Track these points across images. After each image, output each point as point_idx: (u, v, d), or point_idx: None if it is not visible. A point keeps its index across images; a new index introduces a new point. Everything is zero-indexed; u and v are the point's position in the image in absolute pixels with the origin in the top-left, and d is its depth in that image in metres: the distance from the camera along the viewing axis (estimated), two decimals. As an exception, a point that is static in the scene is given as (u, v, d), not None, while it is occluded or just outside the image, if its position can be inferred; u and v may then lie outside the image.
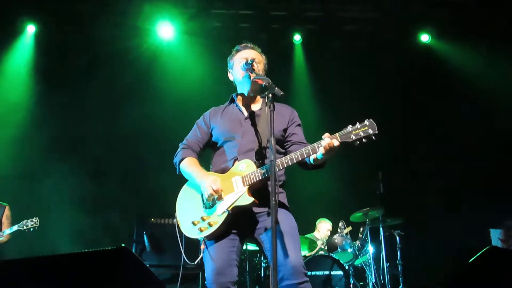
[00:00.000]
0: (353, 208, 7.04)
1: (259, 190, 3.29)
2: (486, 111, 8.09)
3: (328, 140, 3.08)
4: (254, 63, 3.49)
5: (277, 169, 3.18)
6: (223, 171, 3.43)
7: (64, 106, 8.23)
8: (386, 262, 6.67)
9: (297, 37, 8.67)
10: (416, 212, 7.76)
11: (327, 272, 6.24)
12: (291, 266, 3.10)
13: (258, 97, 3.62)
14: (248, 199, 3.23)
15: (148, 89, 8.49)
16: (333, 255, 6.52)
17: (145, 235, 6.88)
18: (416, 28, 8.72)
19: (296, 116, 3.66)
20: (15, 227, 6.40)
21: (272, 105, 3.08)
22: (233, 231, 3.32)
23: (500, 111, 7.98)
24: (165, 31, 8.43)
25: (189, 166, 3.54)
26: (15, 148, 7.98)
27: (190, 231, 3.39)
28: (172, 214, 7.28)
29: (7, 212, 6.79)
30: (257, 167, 3.29)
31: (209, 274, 3.28)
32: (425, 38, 8.72)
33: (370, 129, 3.05)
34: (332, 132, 3.12)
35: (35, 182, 7.85)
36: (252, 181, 3.25)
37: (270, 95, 3.11)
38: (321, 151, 3.11)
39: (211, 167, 3.60)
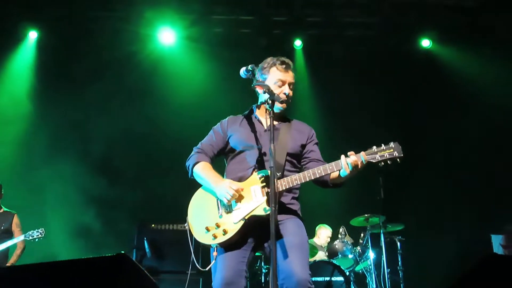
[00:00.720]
0: (353, 214, 7.03)
1: (280, 199, 3.28)
2: (488, 116, 8.07)
3: (354, 158, 3.12)
4: (290, 93, 3.54)
5: (298, 183, 3.24)
6: (240, 179, 3.40)
7: (66, 112, 8.25)
8: (387, 268, 6.65)
9: (298, 43, 8.68)
10: (417, 218, 7.75)
11: (327, 278, 6.22)
12: (295, 280, 3.08)
13: (280, 114, 3.59)
14: (265, 210, 3.19)
15: (150, 94, 8.50)
16: (334, 261, 6.50)
17: (145, 241, 6.87)
18: (417, 33, 8.73)
19: (314, 134, 3.68)
20: (21, 237, 6.38)
21: (272, 111, 3.09)
22: (248, 240, 3.29)
23: (502, 116, 7.96)
24: (167, 36, 8.46)
25: (203, 170, 3.49)
26: (18, 151, 7.99)
27: (203, 237, 3.34)
28: (173, 220, 7.36)
29: (16, 220, 6.77)
30: (277, 178, 3.20)
31: (217, 283, 3.23)
32: (426, 43, 8.73)
33: (395, 152, 3.14)
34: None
35: (35, 185, 7.86)
36: (268, 192, 3.17)
37: (270, 102, 3.12)
38: (345, 169, 3.15)
39: (225, 175, 3.57)
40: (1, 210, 6.77)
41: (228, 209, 3.30)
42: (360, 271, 6.93)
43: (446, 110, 8.42)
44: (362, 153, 3.14)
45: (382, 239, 6.68)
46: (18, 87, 8.40)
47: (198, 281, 6.80)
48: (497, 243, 7.53)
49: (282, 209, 3.32)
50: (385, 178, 6.93)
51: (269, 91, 3.18)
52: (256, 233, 3.29)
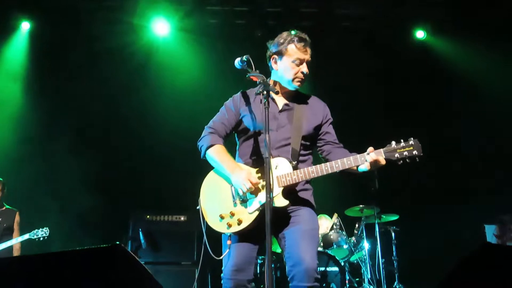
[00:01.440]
0: (348, 204, 7.06)
1: (291, 189, 3.28)
2: (484, 108, 8.09)
3: (375, 156, 3.11)
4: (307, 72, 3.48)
5: (315, 175, 3.21)
6: (255, 165, 3.37)
7: (59, 103, 8.21)
8: (382, 258, 6.70)
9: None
10: (412, 208, 7.78)
11: (322, 268, 6.24)
12: (303, 269, 3.10)
13: (294, 91, 3.55)
14: (283, 201, 3.19)
15: (144, 86, 8.46)
16: (329, 251, 6.53)
17: (140, 232, 6.87)
18: (411, 24, 8.72)
19: (329, 113, 3.61)
20: (26, 236, 6.40)
21: (267, 102, 3.08)
22: (259, 230, 3.18)
23: (498, 107, 7.99)
24: (161, 27, 8.40)
25: (218, 154, 3.39)
26: (11, 142, 7.96)
27: (216, 225, 3.31)
28: (168, 211, 7.35)
29: (17, 218, 6.82)
30: (293, 168, 3.25)
31: (227, 269, 3.26)
32: (420, 34, 8.72)
33: (415, 150, 3.10)
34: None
35: (29, 173, 7.83)
36: (288, 183, 3.21)
37: (265, 92, 3.11)
38: (365, 166, 3.13)
39: (237, 156, 3.53)
40: (3, 208, 6.79)
41: (243, 197, 3.25)
42: (355, 261, 6.96)
43: (441, 101, 8.43)
44: (380, 150, 3.12)
45: (377, 229, 6.72)
46: (10, 78, 8.33)
47: (194, 272, 6.82)
48: (490, 233, 7.56)
49: (296, 198, 3.31)
50: (379, 169, 6.93)
51: (264, 82, 3.16)
52: (274, 223, 3.12)
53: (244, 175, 3.20)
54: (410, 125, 8.43)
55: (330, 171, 3.18)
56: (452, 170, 8.02)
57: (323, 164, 3.22)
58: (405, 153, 3.07)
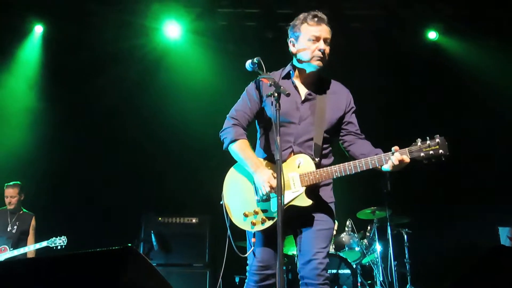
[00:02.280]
0: (360, 206, 7.02)
1: (312, 186, 3.23)
2: (495, 108, 8.02)
3: (399, 156, 3.00)
4: (326, 49, 3.38)
5: (338, 175, 3.16)
6: (274, 158, 3.27)
7: (71, 105, 8.27)
8: (394, 260, 6.65)
9: (303, 35, 8.62)
10: (424, 210, 7.72)
11: (334, 271, 6.22)
12: (314, 267, 3.14)
13: (317, 75, 3.47)
14: (306, 201, 3.16)
15: (155, 88, 8.49)
16: (341, 254, 6.50)
17: (152, 234, 6.89)
18: (423, 25, 8.66)
19: (352, 100, 3.52)
20: (44, 243, 6.47)
21: (278, 104, 3.05)
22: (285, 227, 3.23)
23: (509, 107, 7.91)
24: (172, 30, 8.43)
25: (242, 151, 3.32)
26: (24, 144, 8.02)
27: (241, 222, 3.31)
28: (180, 213, 7.37)
29: (33, 222, 6.92)
30: (316, 165, 3.20)
31: (253, 265, 3.29)
32: (432, 35, 8.65)
33: (441, 149, 2.96)
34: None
35: (42, 177, 7.88)
36: (312, 183, 3.17)
37: (276, 94, 3.08)
38: (389, 166, 3.05)
39: (258, 145, 3.49)
40: (21, 212, 6.87)
41: (265, 197, 3.20)
42: (367, 264, 6.93)
43: (453, 102, 8.36)
44: (405, 150, 3.02)
45: (389, 231, 6.68)
46: (24, 81, 8.42)
47: (205, 274, 6.83)
48: (504, 235, 7.50)
49: (317, 195, 3.28)
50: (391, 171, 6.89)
51: (274, 83, 3.14)
52: (293, 221, 3.23)
53: (266, 177, 3.13)
54: (422, 126, 8.38)
55: (353, 171, 3.13)
56: (465, 171, 7.94)
57: (346, 164, 3.16)
58: (431, 152, 2.96)
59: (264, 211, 3.24)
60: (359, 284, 6.26)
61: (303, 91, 3.44)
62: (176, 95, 8.36)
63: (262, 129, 3.51)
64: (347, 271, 6.25)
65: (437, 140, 3.00)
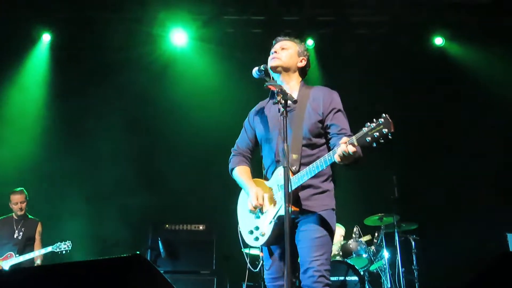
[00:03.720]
0: (367, 213, 7.01)
1: (298, 195, 3.28)
2: (503, 113, 7.99)
3: (344, 147, 2.92)
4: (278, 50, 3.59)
5: (306, 178, 3.18)
6: (267, 174, 3.52)
7: (79, 113, 8.32)
8: (402, 267, 6.62)
9: (309, 42, 8.65)
10: (432, 216, 7.69)
11: (342, 278, 6.20)
12: (311, 275, 3.18)
13: (294, 81, 3.58)
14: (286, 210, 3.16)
15: (162, 95, 8.52)
16: (348, 261, 6.48)
17: (159, 241, 6.90)
18: (429, 30, 8.65)
19: (334, 100, 3.45)
20: (49, 248, 6.47)
21: (285, 111, 3.08)
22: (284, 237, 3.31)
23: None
24: (178, 37, 8.47)
25: (238, 176, 3.63)
26: (34, 152, 8.06)
27: (249, 240, 3.49)
28: (187, 221, 7.38)
29: (39, 228, 6.91)
30: (293, 173, 3.23)
31: (266, 278, 3.44)
32: (439, 41, 8.64)
33: (385, 128, 2.84)
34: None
35: (49, 183, 7.91)
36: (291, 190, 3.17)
37: (283, 102, 3.10)
38: (336, 159, 2.99)
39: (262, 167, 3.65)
40: (27, 218, 6.89)
41: (261, 211, 3.40)
42: (375, 271, 6.90)
43: (460, 108, 8.34)
44: (352, 138, 2.91)
45: (397, 238, 6.65)
46: (33, 89, 8.48)
47: (213, 281, 6.83)
48: (512, 241, 7.44)
49: (307, 205, 3.29)
50: (398, 177, 6.89)
51: (281, 91, 3.16)
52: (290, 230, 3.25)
53: (252, 194, 3.40)
54: (429, 132, 8.37)
55: (309, 176, 3.16)
56: (474, 178, 7.90)
57: (299, 173, 3.21)
58: (376, 133, 2.83)
59: (262, 224, 3.38)
60: (366, 291, 6.24)
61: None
62: (183, 102, 8.39)
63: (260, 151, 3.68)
64: (355, 278, 6.22)
65: (381, 120, 2.88)
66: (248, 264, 3.48)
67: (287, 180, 2.92)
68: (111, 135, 8.26)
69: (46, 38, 8.47)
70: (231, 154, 3.77)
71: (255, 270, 3.49)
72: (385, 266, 6.71)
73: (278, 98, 3.13)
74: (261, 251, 3.52)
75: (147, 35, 8.36)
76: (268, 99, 3.68)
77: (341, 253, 6.77)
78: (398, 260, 6.64)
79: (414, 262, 6.80)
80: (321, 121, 3.39)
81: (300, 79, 3.64)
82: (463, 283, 2.52)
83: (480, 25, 8.22)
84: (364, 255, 6.66)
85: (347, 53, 8.68)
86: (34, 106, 8.43)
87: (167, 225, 7.20)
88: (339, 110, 3.42)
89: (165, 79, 8.56)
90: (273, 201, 3.35)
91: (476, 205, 7.72)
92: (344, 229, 7.61)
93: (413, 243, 6.90)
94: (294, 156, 3.29)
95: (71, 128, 8.34)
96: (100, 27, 8.31)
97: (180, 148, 8.25)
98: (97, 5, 8.13)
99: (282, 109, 3.09)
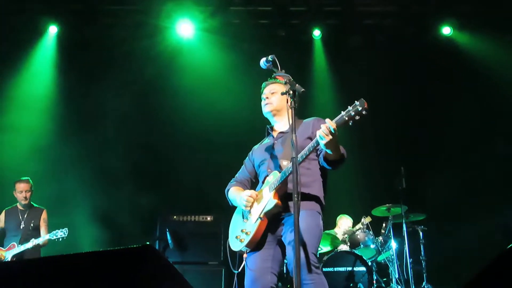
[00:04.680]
0: (375, 204, 7.00)
1: (285, 195, 3.42)
2: (511, 104, 7.95)
3: (323, 127, 3.12)
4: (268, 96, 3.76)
5: (290, 170, 3.30)
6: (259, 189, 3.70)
7: (86, 104, 8.33)
8: (410, 258, 6.62)
9: (316, 33, 8.60)
10: (440, 207, 7.67)
11: (349, 268, 6.22)
12: (295, 264, 3.16)
13: (286, 117, 3.67)
14: (272, 202, 3.39)
15: (168, 86, 8.51)
16: (356, 251, 6.49)
17: (167, 233, 6.92)
18: (437, 20, 8.58)
19: (321, 121, 3.54)
20: (47, 236, 6.40)
21: (293, 101, 3.11)
22: (268, 239, 3.51)
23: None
24: (185, 28, 8.45)
25: (231, 194, 3.89)
26: (41, 143, 8.09)
27: (235, 245, 3.63)
28: (195, 212, 7.41)
29: (44, 215, 6.87)
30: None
31: (246, 282, 3.50)
32: (446, 30, 8.57)
33: (359, 107, 3.06)
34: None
35: (57, 176, 7.94)
36: (275, 185, 3.41)
37: (291, 92, 3.12)
38: (319, 140, 3.15)
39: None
40: (32, 207, 6.87)
41: (248, 215, 3.58)
42: (383, 261, 6.91)
43: (468, 99, 8.29)
44: (333, 120, 3.13)
45: (404, 229, 6.64)
46: (40, 81, 8.50)
47: (221, 272, 6.85)
48: (523, 232, 7.42)
49: (291, 204, 3.33)
50: (406, 168, 6.87)
51: (290, 81, 3.17)
52: (272, 229, 3.51)
53: (243, 193, 3.65)
54: (436, 123, 8.34)
55: (304, 156, 3.33)
56: (483, 169, 7.87)
57: (302, 151, 3.34)
58: (352, 112, 3.07)
59: (248, 226, 3.55)
60: (374, 281, 6.25)
61: (276, 132, 3.86)
62: (189, 93, 8.38)
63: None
64: (363, 268, 6.24)
65: (356, 102, 3.10)
66: (230, 264, 3.59)
67: (295, 171, 2.92)
68: (117, 126, 8.29)
69: (53, 30, 8.47)
70: (229, 183, 4.02)
71: (237, 271, 3.54)
72: (393, 257, 6.71)
73: (287, 88, 3.18)
74: (245, 252, 3.56)
75: (153, 26, 8.35)
76: (265, 138, 3.97)
77: (348, 244, 6.77)
78: (406, 251, 6.64)
79: (422, 253, 6.80)
80: (310, 138, 3.56)
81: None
82: (471, 274, 2.50)
83: (489, 14, 8.14)
84: (372, 246, 6.66)
85: (354, 44, 8.64)
86: (42, 98, 8.44)
87: (175, 216, 7.22)
88: None
89: (172, 70, 8.54)
90: (260, 201, 3.52)
91: (485, 196, 7.69)
92: (351, 220, 7.62)
93: (421, 233, 6.90)
94: (284, 163, 3.52)
95: (78, 119, 8.36)
96: (107, 19, 8.32)
97: (187, 139, 8.26)
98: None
99: (291, 100, 3.13)
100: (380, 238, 6.85)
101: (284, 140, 3.69)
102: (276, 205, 3.37)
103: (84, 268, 2.21)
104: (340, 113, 3.14)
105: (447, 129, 8.32)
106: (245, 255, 3.55)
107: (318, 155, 3.59)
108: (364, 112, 3.05)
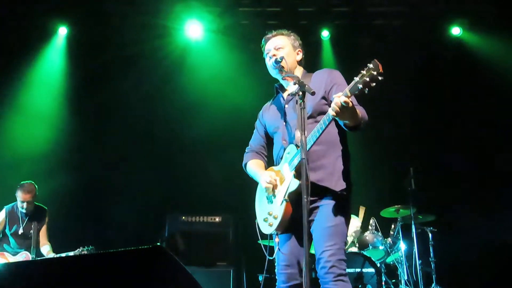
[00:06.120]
0: (384, 205, 6.98)
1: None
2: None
3: (336, 100, 2.91)
4: (282, 60, 3.44)
5: (312, 142, 3.14)
6: (277, 163, 3.53)
7: (95, 105, 8.37)
8: (419, 259, 6.59)
9: (325, 33, 8.59)
10: (449, 208, 7.64)
11: (358, 270, 6.19)
12: (320, 268, 3.17)
13: (296, 77, 3.44)
14: (295, 183, 3.20)
15: (177, 88, 8.53)
16: (364, 253, 6.47)
17: (176, 233, 6.94)
18: (446, 21, 8.54)
19: (334, 77, 3.47)
20: (71, 254, 5.97)
21: (302, 102, 3.05)
22: (298, 221, 3.17)
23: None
24: (194, 29, 8.47)
25: (250, 169, 3.71)
26: (53, 146, 8.14)
27: (264, 229, 3.46)
28: (204, 212, 7.42)
29: (46, 216, 6.73)
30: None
31: (278, 265, 3.39)
32: (456, 31, 8.53)
33: (374, 71, 2.88)
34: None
35: (68, 178, 7.97)
36: (295, 165, 3.22)
37: (300, 93, 3.07)
38: (331, 114, 2.95)
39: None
40: (34, 209, 6.59)
41: (273, 194, 3.39)
42: (391, 263, 6.88)
43: (477, 99, 8.25)
44: (345, 90, 2.93)
45: (414, 230, 6.62)
46: (49, 82, 8.54)
47: (229, 273, 6.85)
48: (532, 233, 7.36)
49: (314, 186, 3.12)
50: (415, 169, 6.85)
51: (299, 82, 3.14)
52: (301, 210, 3.13)
53: (263, 177, 3.44)
54: (446, 123, 8.30)
55: (315, 138, 3.13)
56: (493, 169, 7.83)
57: (309, 135, 3.15)
58: (366, 78, 2.87)
59: (274, 209, 3.36)
60: (383, 283, 6.22)
61: (286, 94, 3.62)
62: (199, 94, 8.39)
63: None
64: (371, 270, 6.21)
65: (369, 65, 2.92)
66: (265, 251, 3.43)
67: (304, 172, 2.90)
68: (127, 127, 8.32)
69: (62, 31, 8.52)
70: (245, 153, 3.84)
71: (271, 258, 3.43)
72: (402, 258, 6.68)
73: (295, 89, 3.12)
74: (277, 236, 3.40)
75: (162, 27, 8.37)
76: (274, 96, 3.77)
77: (357, 245, 6.76)
78: (415, 252, 6.61)
79: (431, 254, 6.78)
80: (325, 98, 3.41)
81: (301, 69, 3.68)
82: (481, 275, 2.48)
83: (499, 14, 8.09)
84: (381, 247, 6.63)
85: (363, 45, 8.62)
86: (51, 99, 8.47)
87: (183, 217, 7.24)
88: (340, 84, 3.41)
89: (181, 71, 8.56)
90: (282, 181, 3.35)
91: (494, 197, 7.65)
92: (359, 219, 7.59)
93: (430, 235, 6.87)
94: (298, 133, 3.25)
95: (87, 121, 8.40)
96: (116, 20, 8.35)
97: (195, 140, 8.27)
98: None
99: (300, 101, 3.05)
100: (389, 239, 6.82)
101: (294, 104, 3.40)
102: (300, 185, 3.11)
103: (94, 269, 2.22)
104: (353, 79, 2.94)
105: (456, 128, 8.27)
106: (276, 239, 3.40)
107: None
108: (380, 77, 2.89)
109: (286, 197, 3.25)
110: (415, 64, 8.35)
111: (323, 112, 3.28)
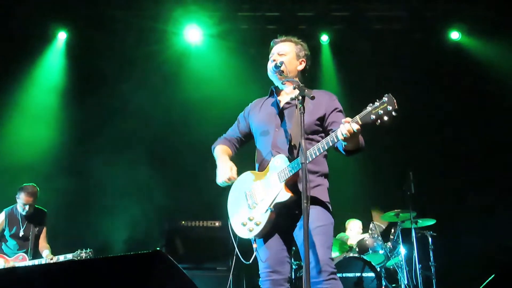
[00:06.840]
0: (384, 209, 6.98)
1: (294, 184, 3.25)
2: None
3: (348, 126, 2.94)
4: (282, 65, 3.46)
5: (307, 161, 3.11)
6: (261, 166, 3.48)
7: (94, 109, 8.37)
8: (419, 263, 6.59)
9: (324, 38, 8.61)
10: (449, 212, 7.64)
11: (358, 274, 6.18)
12: (312, 267, 3.10)
13: (292, 87, 3.47)
14: (286, 195, 3.22)
15: (176, 92, 8.54)
16: (364, 257, 6.45)
17: (176, 238, 6.93)
18: (445, 25, 8.57)
19: (335, 102, 3.52)
20: (69, 256, 5.99)
21: (302, 107, 3.05)
22: (281, 228, 3.34)
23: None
24: (193, 34, 8.49)
25: (216, 151, 3.77)
26: (51, 151, 8.13)
27: (242, 233, 3.43)
28: (203, 217, 7.40)
29: (45, 219, 6.67)
30: (290, 161, 3.26)
31: (262, 271, 3.35)
32: (455, 35, 8.56)
33: (389, 105, 2.86)
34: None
35: (68, 181, 7.97)
36: (287, 177, 3.23)
37: (300, 97, 3.08)
38: (341, 139, 2.99)
39: (255, 160, 3.64)
40: (34, 212, 6.51)
41: (255, 201, 3.37)
42: (391, 267, 6.87)
43: (477, 104, 8.26)
44: (356, 117, 2.94)
45: (413, 234, 6.61)
46: (48, 87, 8.55)
47: (227, 277, 6.83)
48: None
49: (298, 192, 3.19)
50: (415, 173, 6.85)
51: (299, 87, 3.15)
52: (285, 219, 3.31)
53: (222, 167, 3.56)
54: (445, 127, 8.31)
55: (318, 154, 3.13)
56: (492, 173, 7.83)
57: (311, 149, 3.15)
58: (381, 111, 2.86)
59: (256, 215, 3.34)
60: (383, 287, 6.21)
61: (284, 100, 3.59)
62: (198, 99, 8.40)
63: (255, 144, 3.69)
64: (371, 274, 6.19)
65: (385, 98, 2.90)
66: (240, 255, 3.43)
67: (305, 177, 2.89)
68: (126, 132, 8.32)
69: (62, 36, 8.54)
70: (219, 137, 3.88)
71: (248, 262, 3.42)
72: (401, 263, 6.67)
73: (295, 94, 3.13)
74: (254, 242, 3.39)
75: (161, 32, 8.39)
76: (267, 96, 3.74)
77: (357, 249, 6.75)
78: (415, 257, 6.61)
79: (431, 258, 6.77)
80: (321, 119, 3.43)
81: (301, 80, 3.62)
82: (481, 280, 2.48)
83: (498, 19, 8.11)
84: (381, 251, 6.62)
85: (363, 49, 8.63)
86: (50, 103, 8.49)
87: (183, 222, 7.23)
88: (341, 110, 3.49)
89: (180, 76, 8.57)
90: (268, 189, 3.32)
91: (495, 201, 7.65)
92: (361, 222, 7.60)
93: (430, 239, 6.86)
94: (292, 143, 3.34)
95: (86, 125, 8.40)
96: (115, 24, 8.37)
97: (195, 144, 8.26)
98: (112, 3, 8.18)
99: (300, 105, 3.05)
100: (389, 243, 6.81)
101: (291, 113, 3.45)
102: (290, 198, 3.21)
103: (95, 274, 2.22)
104: (366, 109, 2.94)
105: (456, 132, 8.28)
106: (255, 245, 3.38)
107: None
108: (394, 113, 2.86)
109: (271, 207, 3.25)
110: (414, 68, 8.36)
111: (315, 132, 3.39)
